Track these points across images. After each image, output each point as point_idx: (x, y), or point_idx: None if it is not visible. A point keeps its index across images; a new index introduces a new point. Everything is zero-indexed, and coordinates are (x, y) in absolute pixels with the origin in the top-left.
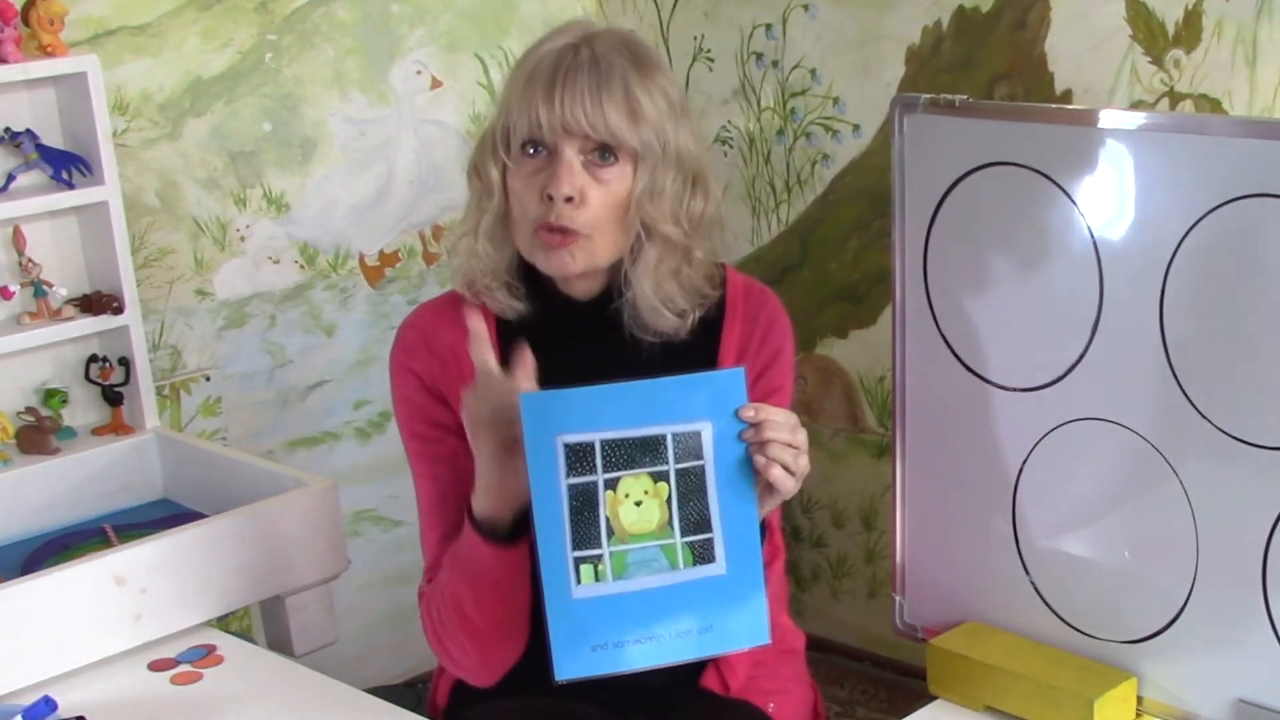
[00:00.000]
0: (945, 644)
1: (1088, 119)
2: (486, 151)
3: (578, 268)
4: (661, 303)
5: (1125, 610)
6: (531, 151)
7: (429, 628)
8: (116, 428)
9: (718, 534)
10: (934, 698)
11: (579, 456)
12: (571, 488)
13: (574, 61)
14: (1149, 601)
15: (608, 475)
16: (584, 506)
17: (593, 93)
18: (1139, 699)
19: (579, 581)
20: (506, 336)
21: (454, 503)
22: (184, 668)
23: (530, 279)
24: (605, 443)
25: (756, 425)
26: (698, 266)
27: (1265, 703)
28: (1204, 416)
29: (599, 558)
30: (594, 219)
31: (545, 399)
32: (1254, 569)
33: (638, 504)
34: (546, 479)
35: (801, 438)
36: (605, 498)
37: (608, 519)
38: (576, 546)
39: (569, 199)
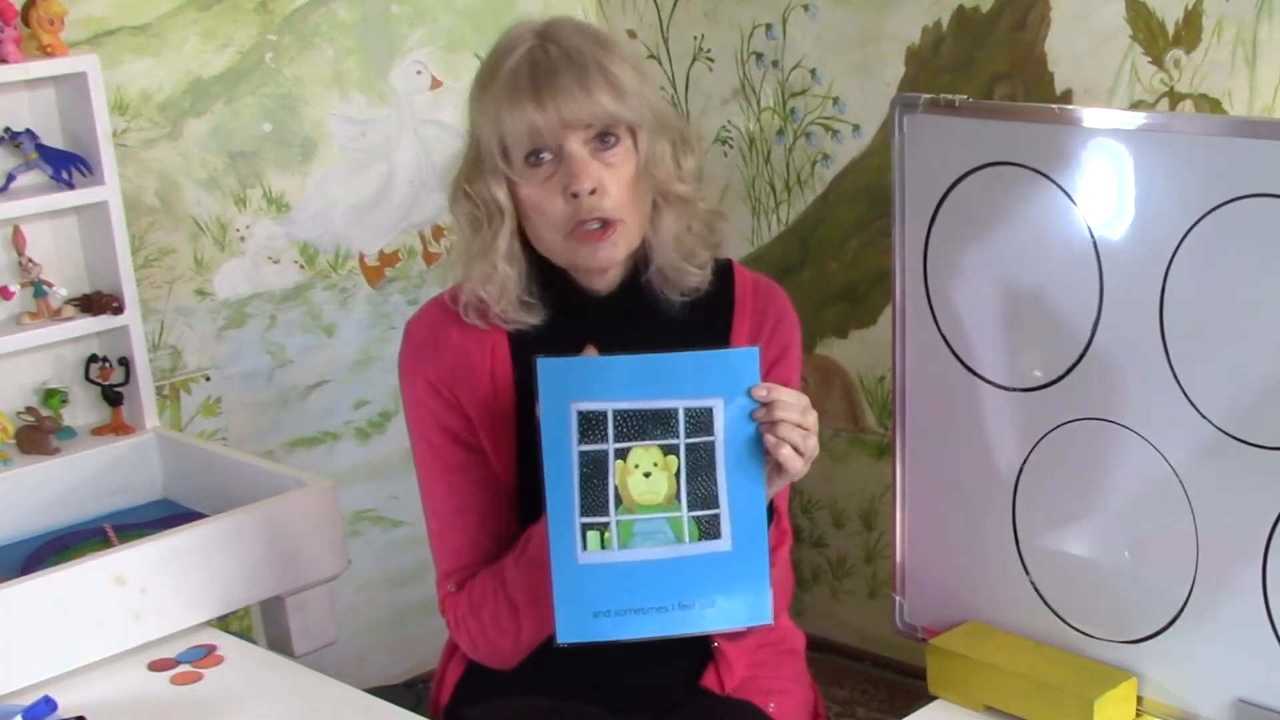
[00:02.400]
0: (945, 644)
1: (1088, 119)
2: (484, 172)
3: (620, 254)
4: (684, 259)
5: (1125, 610)
6: (535, 159)
7: (466, 629)
8: (116, 428)
9: (725, 511)
10: (934, 698)
11: (591, 424)
12: (583, 454)
13: (548, 61)
14: (1149, 601)
15: (618, 445)
16: (594, 474)
17: (579, 83)
18: (1139, 699)
19: (585, 548)
20: (522, 351)
21: (475, 510)
22: (184, 668)
23: (548, 287)
24: (618, 412)
25: (768, 405)
26: (701, 216)
27: (1265, 703)
28: (1204, 416)
29: (606, 525)
30: (620, 202)
31: (562, 365)
32: (1254, 569)
33: (647, 475)
34: (559, 445)
35: (812, 419)
36: (615, 467)
37: (616, 488)
38: (584, 513)
39: (593, 191)
